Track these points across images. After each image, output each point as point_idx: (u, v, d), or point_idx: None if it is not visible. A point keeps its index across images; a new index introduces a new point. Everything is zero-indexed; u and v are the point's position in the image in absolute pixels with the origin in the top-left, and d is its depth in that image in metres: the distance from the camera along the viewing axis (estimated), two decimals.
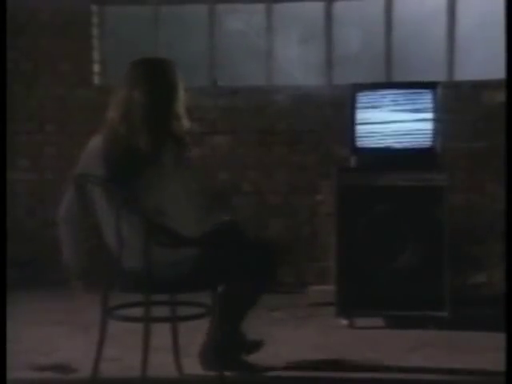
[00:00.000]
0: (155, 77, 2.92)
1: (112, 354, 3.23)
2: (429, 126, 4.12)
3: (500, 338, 3.57)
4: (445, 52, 4.97)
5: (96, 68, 5.31)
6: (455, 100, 4.66)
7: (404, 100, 4.16)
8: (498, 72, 4.88)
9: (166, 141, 2.86)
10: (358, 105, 4.16)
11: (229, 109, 5.10)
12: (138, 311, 2.93)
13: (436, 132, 4.13)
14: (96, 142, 2.95)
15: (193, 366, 3.24)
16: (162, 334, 3.09)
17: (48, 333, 3.98)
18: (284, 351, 3.61)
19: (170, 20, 5.26)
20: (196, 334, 3.28)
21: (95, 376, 2.99)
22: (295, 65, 5.16)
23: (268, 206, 5.07)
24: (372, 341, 3.84)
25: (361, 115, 4.15)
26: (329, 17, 5.08)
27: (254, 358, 3.31)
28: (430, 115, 4.13)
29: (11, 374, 2.95)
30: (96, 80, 5.31)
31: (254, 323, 4.08)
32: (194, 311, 3.04)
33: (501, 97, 4.83)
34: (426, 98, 4.13)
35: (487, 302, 4.53)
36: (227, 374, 3.08)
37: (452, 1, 4.94)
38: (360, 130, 4.15)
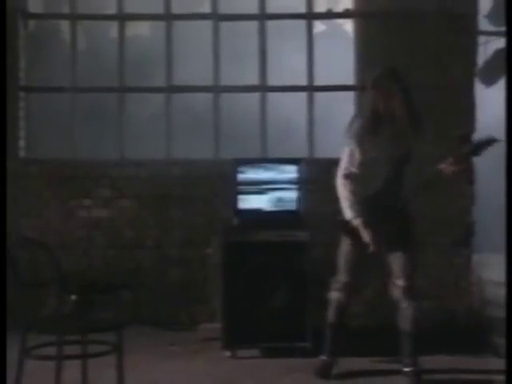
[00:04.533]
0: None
1: None
2: (294, 193, 4.29)
3: (357, 361, 3.70)
4: (307, 134, 5.17)
5: (22, 143, 5.19)
6: (315, 173, 4.82)
7: (275, 172, 4.31)
8: None
9: None
10: (239, 175, 4.29)
11: (134, 177, 5.11)
12: (52, 350, 2.85)
13: (300, 198, 4.29)
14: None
15: None
16: (73, 369, 3.00)
17: None
18: (177, 381, 3.57)
19: (86, 106, 5.25)
20: (104, 369, 3.20)
21: None
22: (191, 143, 5.27)
23: (167, 257, 5.06)
24: (250, 369, 3.87)
25: (241, 184, 4.27)
26: (216, 108, 5.19)
27: None
28: (295, 185, 4.30)
29: None
30: (21, 153, 5.19)
31: (153, 357, 4.05)
32: (102, 349, 2.98)
33: None
34: (292, 171, 4.31)
35: None
36: None
37: (310, 97, 5.17)
38: (240, 196, 4.27)
